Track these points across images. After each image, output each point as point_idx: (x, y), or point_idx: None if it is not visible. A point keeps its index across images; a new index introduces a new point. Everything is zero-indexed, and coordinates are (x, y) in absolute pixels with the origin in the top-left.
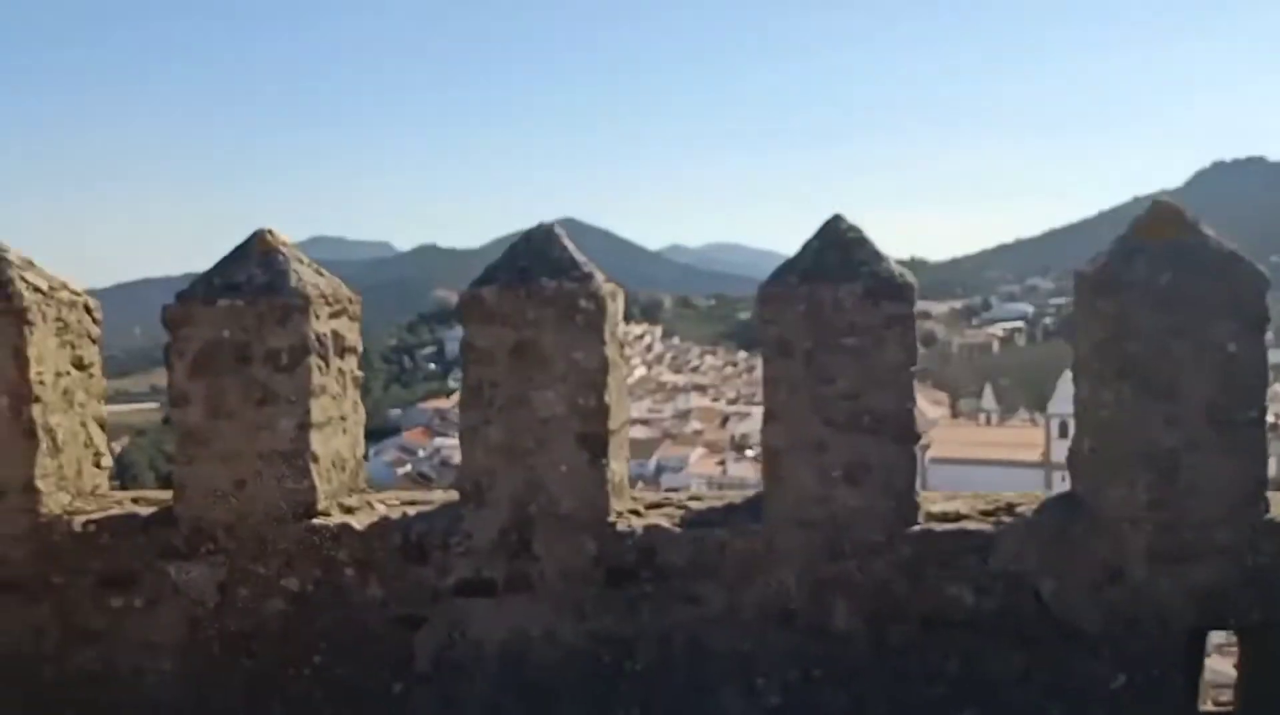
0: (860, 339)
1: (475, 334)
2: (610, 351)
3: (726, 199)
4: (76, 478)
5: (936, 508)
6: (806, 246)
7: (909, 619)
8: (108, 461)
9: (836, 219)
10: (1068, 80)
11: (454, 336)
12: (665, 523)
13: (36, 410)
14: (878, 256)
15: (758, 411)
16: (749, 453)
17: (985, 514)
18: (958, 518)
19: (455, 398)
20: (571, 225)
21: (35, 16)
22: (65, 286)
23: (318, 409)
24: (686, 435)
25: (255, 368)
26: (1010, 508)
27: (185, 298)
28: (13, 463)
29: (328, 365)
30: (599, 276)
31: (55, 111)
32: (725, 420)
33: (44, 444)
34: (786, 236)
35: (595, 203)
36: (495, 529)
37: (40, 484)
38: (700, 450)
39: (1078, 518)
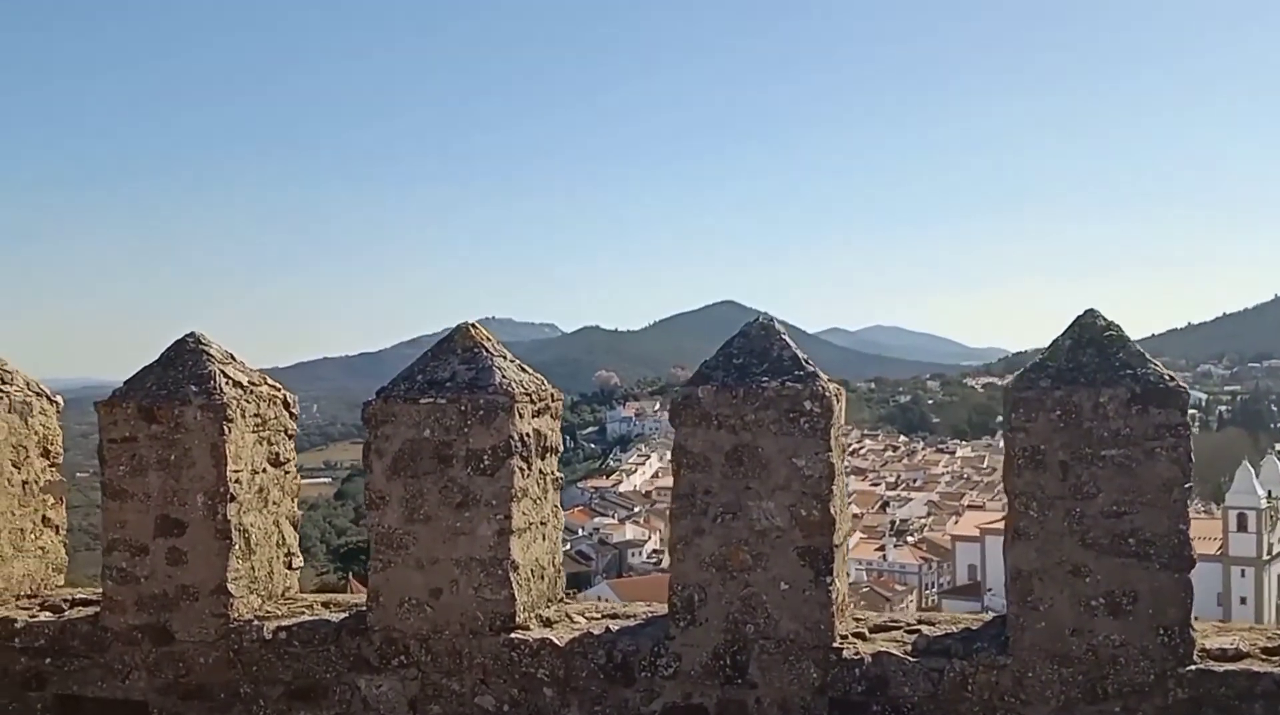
0: (1125, 450)
1: (689, 436)
2: (835, 458)
3: (886, 281)
4: (268, 580)
5: (1213, 643)
6: (1056, 345)
7: None
8: (299, 562)
9: (1090, 314)
10: (1244, 160)
11: (615, 417)
12: (896, 650)
13: (232, 509)
14: (1141, 357)
15: (918, 496)
16: (909, 539)
17: (1268, 652)
18: (1238, 656)
19: (614, 477)
20: (731, 308)
21: (213, 138)
22: (265, 381)
23: (519, 514)
24: None
25: (456, 469)
26: None
27: (388, 394)
28: (205, 564)
29: (529, 467)
30: (823, 376)
31: (244, 210)
32: (885, 505)
33: (237, 545)
34: (947, 320)
35: (755, 285)
36: (707, 650)
37: (232, 587)
38: (859, 535)
39: None
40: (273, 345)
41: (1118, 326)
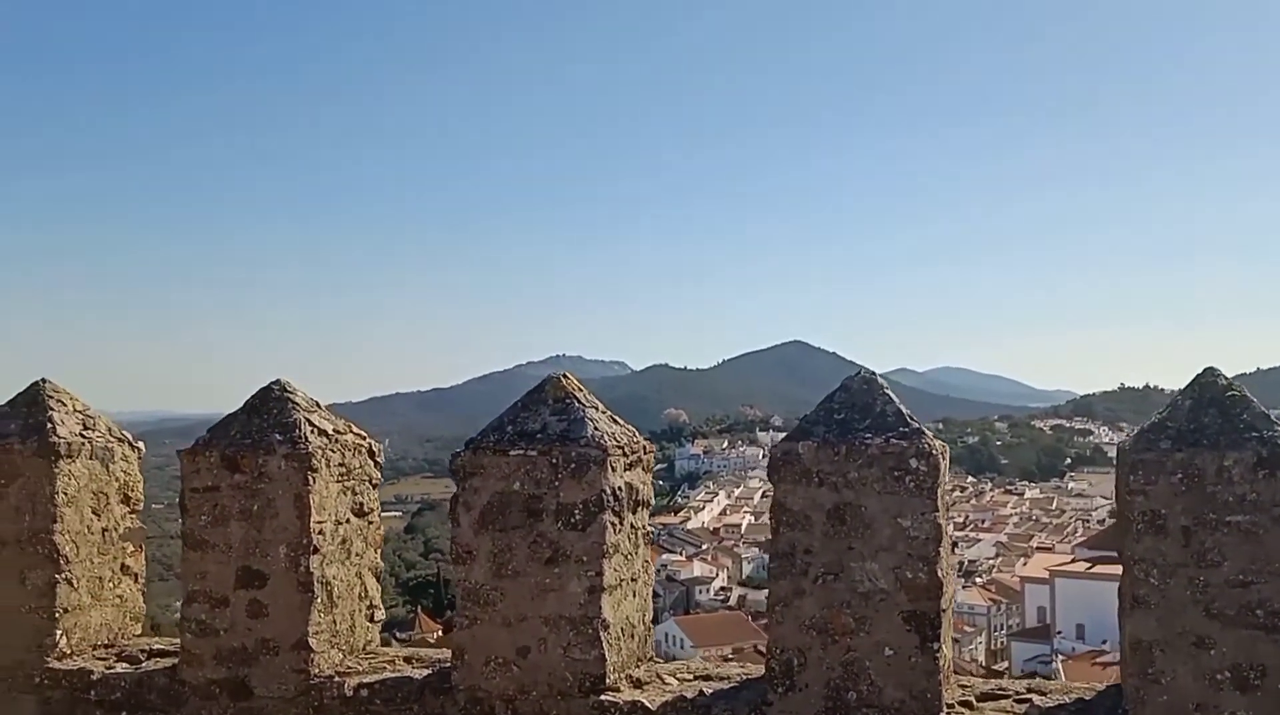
0: (1251, 517)
1: (788, 493)
2: (942, 519)
3: (954, 322)
4: (349, 634)
5: None
6: (1176, 405)
7: None
8: (381, 615)
9: (1210, 373)
10: None
11: (684, 454)
12: None
13: (314, 561)
14: (1266, 419)
15: (986, 537)
16: (978, 580)
17: None
18: None
19: (682, 514)
20: (799, 347)
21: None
22: (350, 428)
23: (610, 570)
24: None
25: (546, 523)
26: None
27: (477, 445)
28: (287, 617)
29: (621, 522)
30: (929, 433)
31: (322, 246)
32: (953, 545)
33: (319, 598)
34: (1015, 362)
35: (822, 325)
36: None
37: (313, 641)
38: None
39: None
40: (347, 380)
41: (1240, 387)
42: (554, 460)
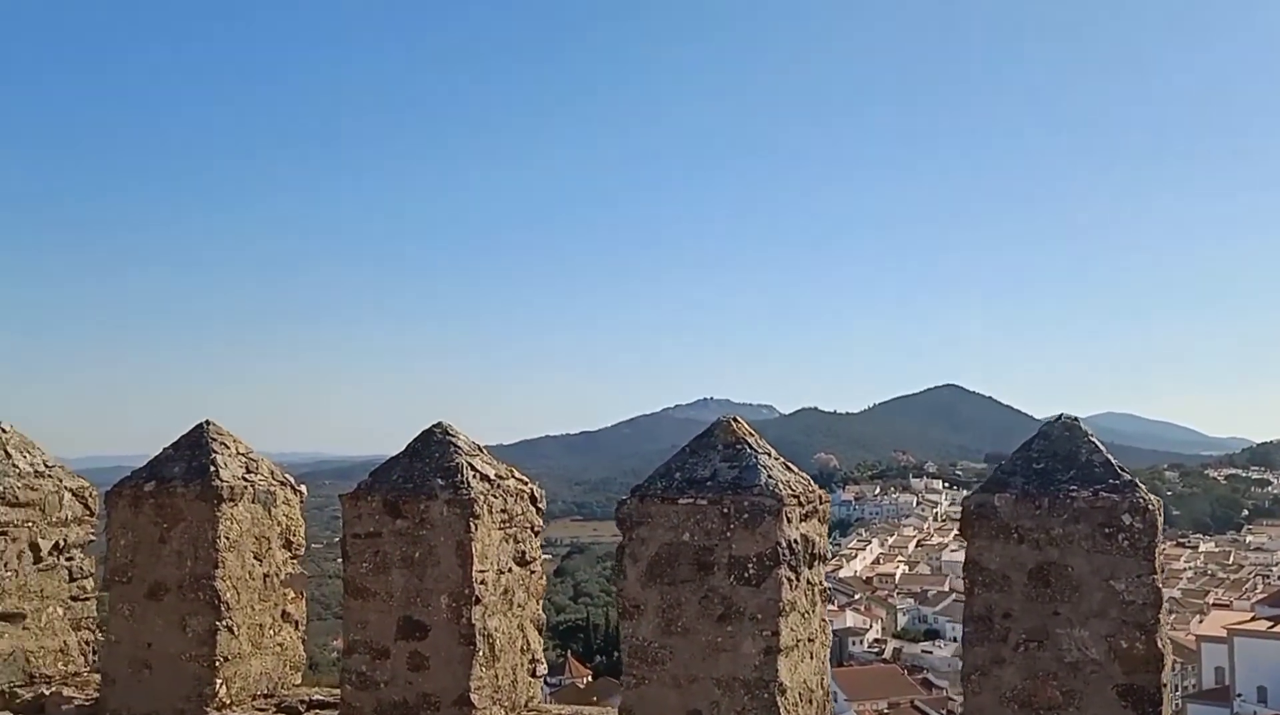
0: None
1: (983, 551)
2: (1160, 581)
3: (1119, 366)
4: (511, 689)
5: None
6: None
7: None
8: (543, 669)
9: None
10: None
11: (835, 500)
12: None
13: (476, 612)
14: None
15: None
16: None
17: None
18: None
19: (833, 562)
20: (953, 391)
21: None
22: (512, 473)
23: (786, 630)
24: None
25: (717, 577)
26: None
27: (644, 493)
28: (448, 671)
29: (798, 577)
30: (1142, 486)
31: (473, 281)
32: None
33: (481, 651)
34: (1184, 408)
35: (977, 368)
36: None
37: (475, 697)
38: None
39: None
40: (498, 422)
41: None
42: (725, 510)
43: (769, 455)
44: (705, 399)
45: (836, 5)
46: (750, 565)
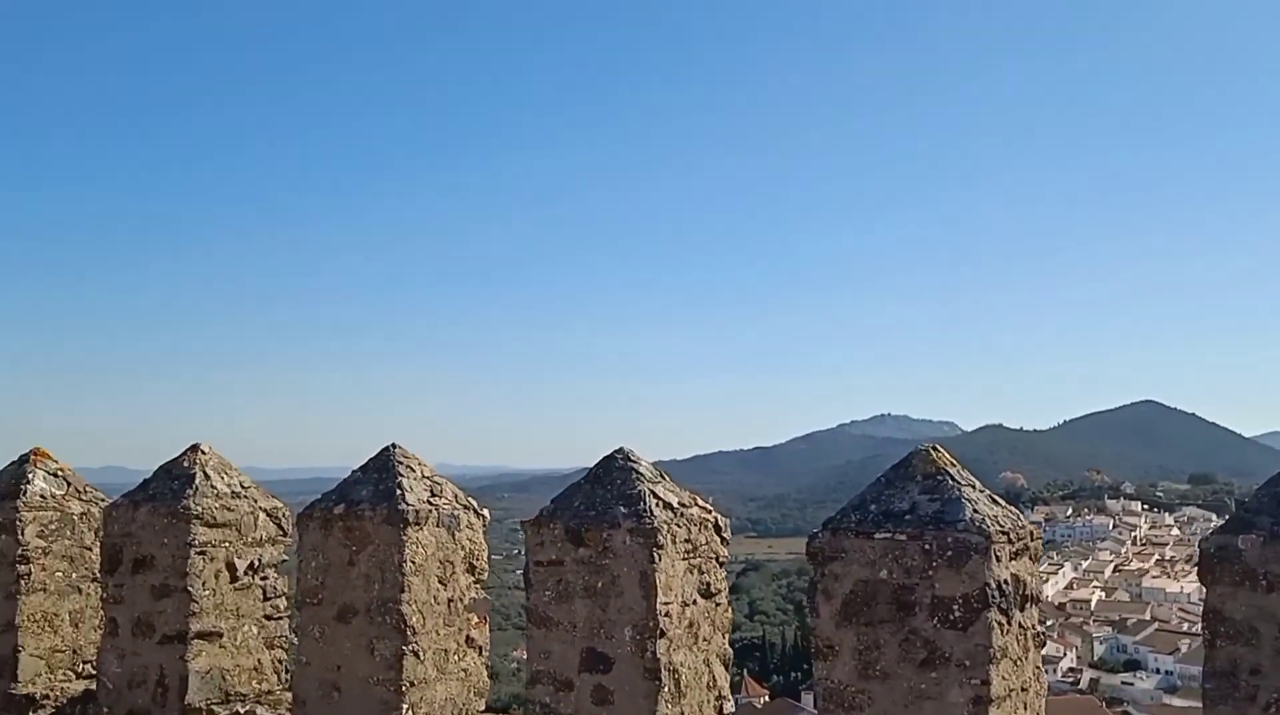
0: None
1: (1226, 599)
2: None
3: None
4: None
5: None
6: None
7: None
8: (730, 707)
9: None
10: None
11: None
12: None
13: (661, 646)
14: None
15: None
16: None
17: None
18: None
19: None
20: (1152, 408)
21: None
22: (695, 501)
23: (997, 678)
24: None
25: (919, 619)
26: None
27: (836, 526)
28: (632, 706)
29: (1009, 621)
30: None
31: (663, 312)
32: None
33: (666, 687)
34: None
35: (1179, 382)
36: None
37: None
38: None
39: None
40: (670, 437)
41: None
42: (927, 546)
43: (973, 487)
44: (882, 415)
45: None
46: (956, 607)
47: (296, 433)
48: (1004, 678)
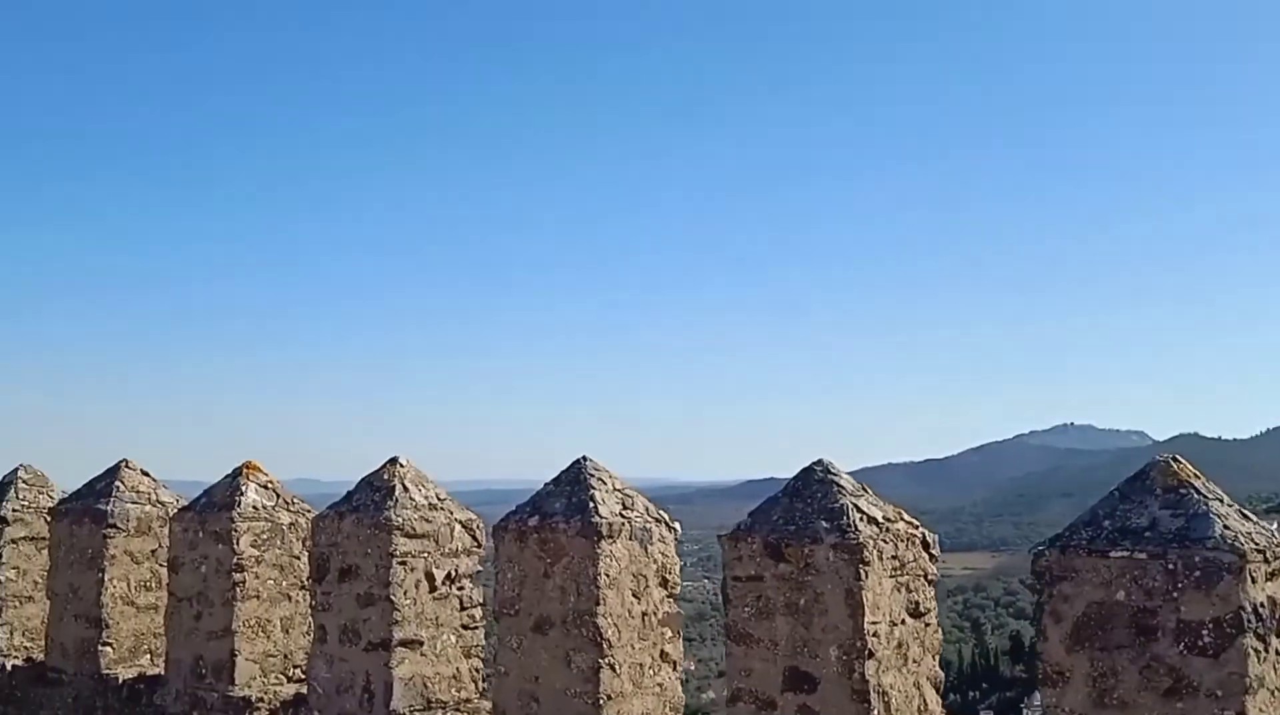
0: None
1: None
2: None
3: None
4: None
5: None
6: None
7: None
8: None
9: None
10: None
11: None
12: None
13: (870, 667)
14: None
15: None
16: None
17: None
18: None
19: None
20: None
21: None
22: (900, 516)
23: (1254, 710)
24: None
25: (1163, 644)
26: None
27: (1065, 544)
28: None
29: (1266, 648)
30: None
31: (817, 320)
32: None
33: (876, 710)
34: None
35: None
36: None
37: None
38: None
39: None
40: (838, 448)
41: None
42: (1170, 565)
43: (1221, 501)
44: (1065, 425)
45: None
46: (1205, 632)
47: (469, 446)
48: (1261, 710)
